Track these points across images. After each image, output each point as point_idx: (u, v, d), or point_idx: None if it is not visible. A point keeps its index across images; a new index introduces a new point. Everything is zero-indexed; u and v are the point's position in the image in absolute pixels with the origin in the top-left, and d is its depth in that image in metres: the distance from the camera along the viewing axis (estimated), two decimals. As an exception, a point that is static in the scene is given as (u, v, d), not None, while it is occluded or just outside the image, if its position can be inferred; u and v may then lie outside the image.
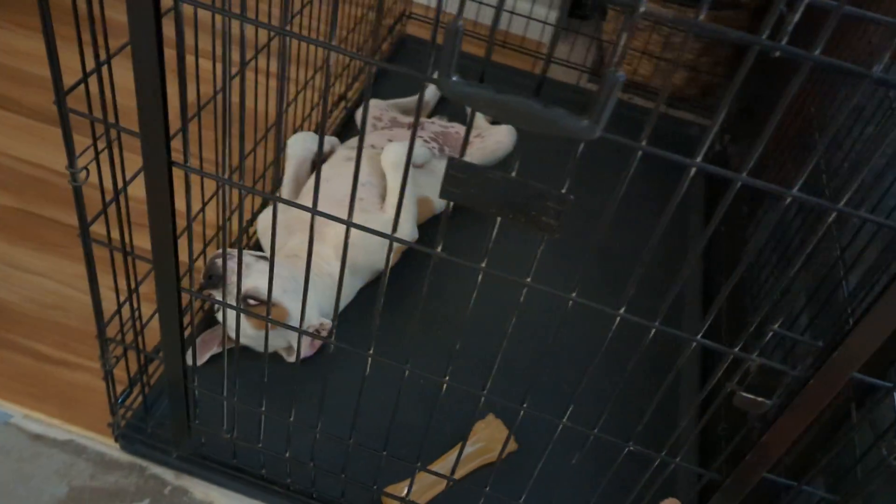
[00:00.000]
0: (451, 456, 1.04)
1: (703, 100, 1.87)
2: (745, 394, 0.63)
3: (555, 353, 1.22)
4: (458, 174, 0.58)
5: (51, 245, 1.24)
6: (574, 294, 0.64)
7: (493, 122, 1.63)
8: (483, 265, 0.65)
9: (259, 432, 0.90)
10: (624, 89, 1.86)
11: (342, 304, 1.19)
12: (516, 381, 1.15)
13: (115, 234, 0.84)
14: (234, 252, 1.08)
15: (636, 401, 1.15)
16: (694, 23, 0.46)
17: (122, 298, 0.91)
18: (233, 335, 1.08)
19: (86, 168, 0.71)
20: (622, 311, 0.63)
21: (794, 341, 0.61)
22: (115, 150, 0.76)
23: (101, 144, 0.74)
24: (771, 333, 0.60)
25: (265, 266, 1.08)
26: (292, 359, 1.12)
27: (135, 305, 0.91)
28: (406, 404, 1.09)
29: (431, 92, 1.65)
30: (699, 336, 0.62)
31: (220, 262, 1.04)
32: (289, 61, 1.32)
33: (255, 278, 1.06)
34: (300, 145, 1.27)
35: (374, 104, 1.52)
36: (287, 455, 0.89)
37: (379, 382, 1.02)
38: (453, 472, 0.85)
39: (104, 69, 0.70)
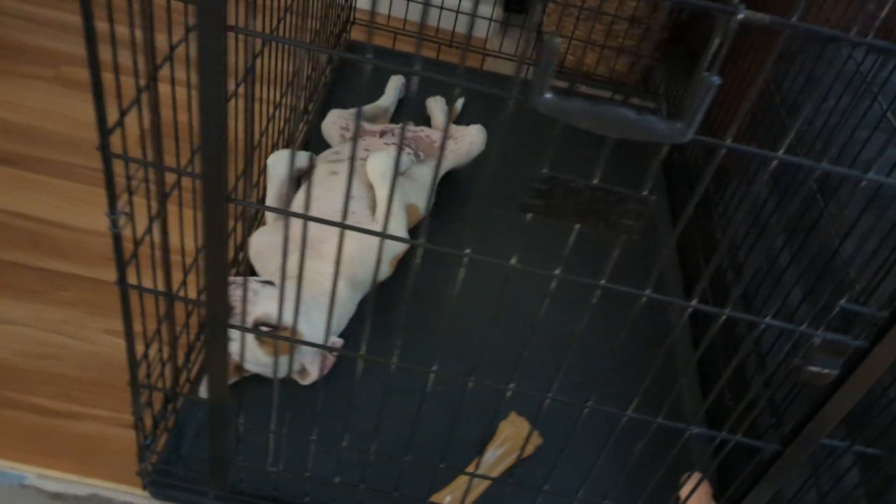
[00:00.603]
0: (482, 459, 1.05)
1: (644, 84, 1.93)
2: (812, 368, 0.67)
3: (550, 338, 1.25)
4: (542, 186, 0.59)
5: (25, 292, 1.17)
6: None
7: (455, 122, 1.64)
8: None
9: (305, 460, 0.88)
10: (570, 79, 1.91)
11: (346, 321, 1.18)
12: (528, 374, 1.17)
13: (133, 278, 0.80)
14: (239, 280, 1.06)
15: (633, 378, 1.19)
16: (793, 24, 0.48)
17: (143, 341, 0.87)
18: (247, 365, 1.05)
19: (125, 213, 0.68)
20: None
21: (856, 313, 0.65)
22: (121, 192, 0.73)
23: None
24: (837, 308, 0.64)
25: (272, 291, 1.06)
26: (306, 381, 1.10)
27: (159, 346, 0.87)
28: (428, 413, 1.09)
29: (389, 98, 1.65)
30: (768, 318, 0.65)
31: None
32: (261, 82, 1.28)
33: (264, 304, 1.04)
34: (281, 164, 1.25)
35: (338, 114, 1.50)
36: (337, 480, 0.88)
37: (395, 392, 1.01)
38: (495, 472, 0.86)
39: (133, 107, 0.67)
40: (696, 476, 1.10)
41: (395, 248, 1.26)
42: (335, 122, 1.48)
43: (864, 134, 1.03)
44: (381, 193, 1.23)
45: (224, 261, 0.66)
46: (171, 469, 0.95)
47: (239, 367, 1.09)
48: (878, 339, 0.65)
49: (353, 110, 1.53)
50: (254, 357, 1.04)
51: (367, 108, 1.59)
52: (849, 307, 0.64)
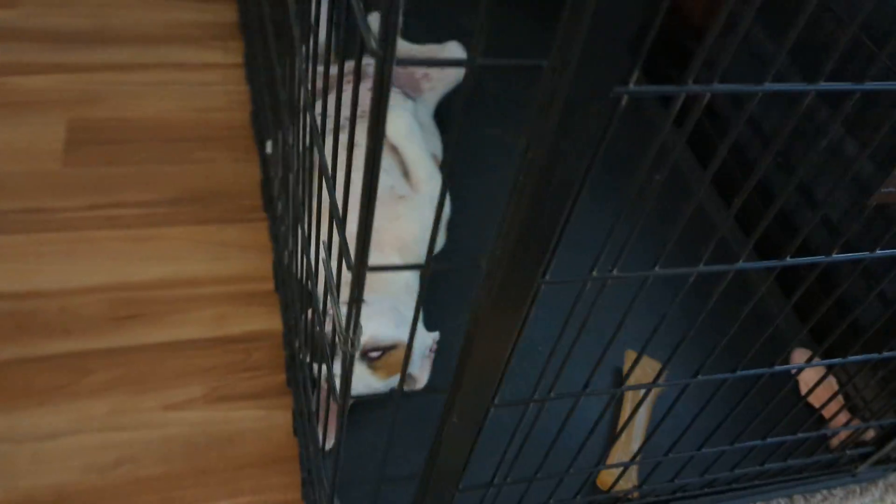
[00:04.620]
0: (626, 413, 1.01)
1: None
2: None
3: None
4: None
5: (52, 390, 0.93)
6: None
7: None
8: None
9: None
10: None
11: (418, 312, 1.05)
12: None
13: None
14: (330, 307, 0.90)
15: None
16: None
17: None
18: (355, 393, 0.92)
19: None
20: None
21: None
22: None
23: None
24: None
25: (367, 310, 0.92)
26: (417, 387, 0.99)
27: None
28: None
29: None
30: None
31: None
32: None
33: (366, 327, 0.90)
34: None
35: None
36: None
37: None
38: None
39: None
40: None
41: (449, 212, 1.13)
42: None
43: None
44: (412, 154, 1.08)
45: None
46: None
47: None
48: None
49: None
50: (366, 385, 0.91)
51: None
52: None
